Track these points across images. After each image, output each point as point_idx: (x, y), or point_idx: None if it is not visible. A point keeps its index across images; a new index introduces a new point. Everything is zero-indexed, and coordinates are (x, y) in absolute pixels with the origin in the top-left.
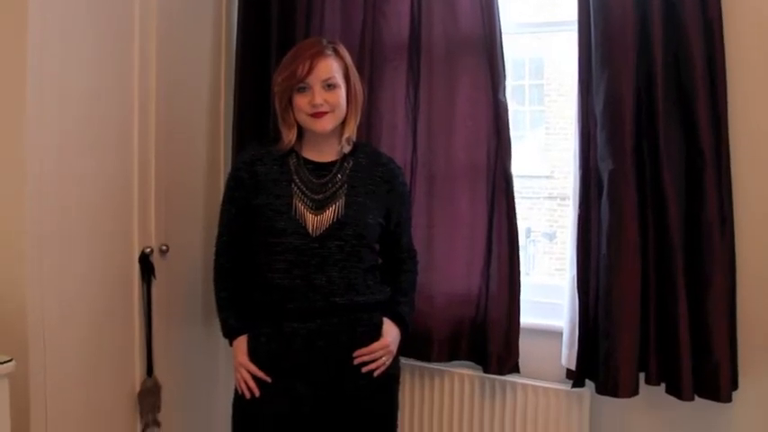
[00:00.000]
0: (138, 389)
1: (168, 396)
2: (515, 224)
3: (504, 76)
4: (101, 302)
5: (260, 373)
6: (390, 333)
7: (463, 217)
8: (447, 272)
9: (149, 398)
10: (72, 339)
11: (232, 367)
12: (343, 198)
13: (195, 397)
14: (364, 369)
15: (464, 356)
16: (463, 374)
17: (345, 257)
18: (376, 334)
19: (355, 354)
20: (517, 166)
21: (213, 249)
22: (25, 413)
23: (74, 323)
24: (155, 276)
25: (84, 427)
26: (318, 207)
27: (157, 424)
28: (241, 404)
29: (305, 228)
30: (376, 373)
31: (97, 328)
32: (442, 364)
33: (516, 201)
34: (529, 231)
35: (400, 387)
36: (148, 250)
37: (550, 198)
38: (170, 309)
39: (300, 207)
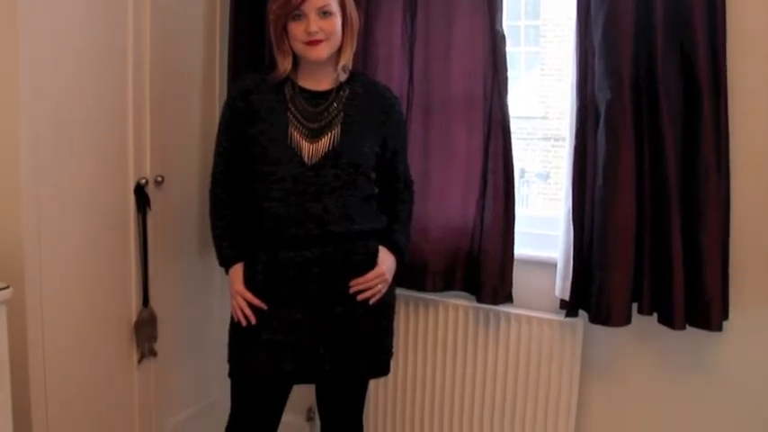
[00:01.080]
0: (134, 319)
1: (164, 326)
2: (511, 156)
3: (502, 5)
4: (96, 234)
5: (256, 301)
6: (386, 261)
7: (459, 148)
8: (442, 203)
9: (145, 328)
10: (68, 270)
11: (228, 296)
12: (339, 126)
13: (191, 326)
14: (360, 297)
15: (459, 287)
16: (458, 305)
17: (342, 186)
18: (372, 262)
19: (351, 284)
20: (512, 107)
21: (209, 179)
22: (22, 341)
23: (70, 254)
24: (150, 207)
25: (81, 356)
26: (314, 135)
27: (154, 354)
28: (237, 332)
29: (300, 156)
30: (371, 302)
31: (93, 259)
32: (437, 294)
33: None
34: (523, 172)
35: (395, 317)
36: (144, 181)
37: (545, 139)
38: (166, 239)
39: (296, 135)
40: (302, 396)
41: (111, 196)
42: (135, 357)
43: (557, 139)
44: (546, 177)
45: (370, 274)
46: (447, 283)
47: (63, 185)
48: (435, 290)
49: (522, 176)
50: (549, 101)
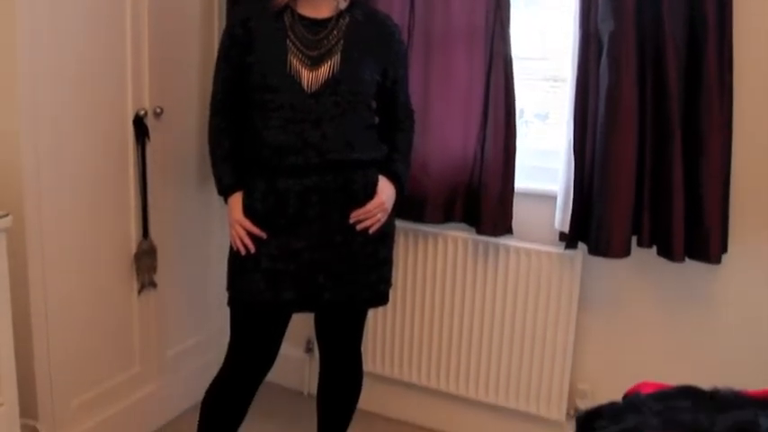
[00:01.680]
0: (134, 250)
1: (164, 257)
2: (512, 88)
3: None
4: (96, 165)
5: (255, 230)
6: (385, 191)
7: (460, 80)
8: (443, 135)
9: (145, 259)
10: (67, 202)
11: (227, 227)
12: (339, 54)
13: (191, 257)
14: (359, 227)
15: (459, 218)
16: (457, 237)
17: (341, 114)
18: (371, 191)
19: (351, 215)
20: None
21: (208, 109)
22: (23, 270)
23: (69, 185)
24: (149, 138)
25: (81, 287)
26: (314, 63)
27: (154, 285)
28: (236, 261)
29: (300, 84)
30: (371, 231)
31: (93, 190)
32: (437, 226)
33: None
34: (522, 112)
35: (395, 247)
36: (142, 112)
37: (544, 80)
38: (165, 171)
39: (295, 63)
40: (301, 328)
41: (110, 128)
42: (135, 288)
43: (556, 80)
44: (545, 118)
45: (370, 205)
46: (447, 215)
47: (61, 116)
48: (435, 221)
49: (521, 117)
50: (549, 41)
